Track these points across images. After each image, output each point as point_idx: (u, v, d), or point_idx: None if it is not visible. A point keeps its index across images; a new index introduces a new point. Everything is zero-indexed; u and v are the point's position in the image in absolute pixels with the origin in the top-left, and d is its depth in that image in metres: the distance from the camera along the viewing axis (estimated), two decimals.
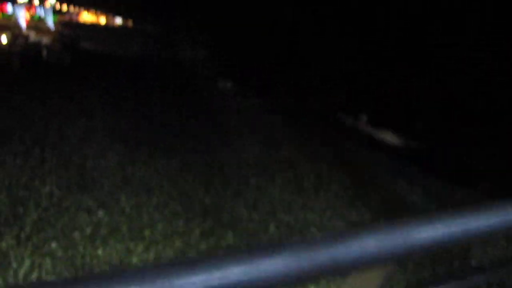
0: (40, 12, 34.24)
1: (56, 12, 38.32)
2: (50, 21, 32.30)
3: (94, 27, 44.24)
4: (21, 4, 30.88)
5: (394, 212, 6.47)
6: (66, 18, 43.69)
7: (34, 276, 3.57)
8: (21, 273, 3.58)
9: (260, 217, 5.49)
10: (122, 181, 5.59)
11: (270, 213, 5.66)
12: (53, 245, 4.01)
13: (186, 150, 7.39)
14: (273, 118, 11.19)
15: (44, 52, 19.54)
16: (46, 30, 28.67)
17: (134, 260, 4.02)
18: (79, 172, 5.64)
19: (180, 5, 29.73)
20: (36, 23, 29.94)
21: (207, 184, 6.16)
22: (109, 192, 5.24)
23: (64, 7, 48.04)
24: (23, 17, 28.55)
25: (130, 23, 57.10)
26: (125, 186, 5.48)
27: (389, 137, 10.07)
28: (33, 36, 24.72)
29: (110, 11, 55.86)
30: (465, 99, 11.05)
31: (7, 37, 22.54)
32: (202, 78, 16.62)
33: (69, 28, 32.64)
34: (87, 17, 54.14)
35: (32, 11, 32.97)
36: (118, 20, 59.19)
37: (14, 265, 3.66)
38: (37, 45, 21.35)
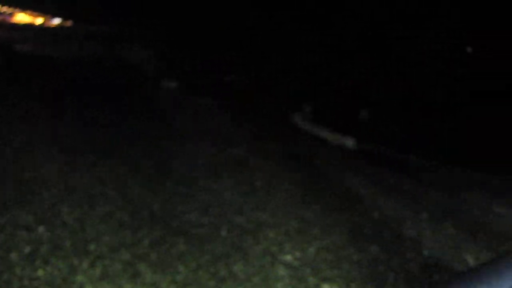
0: None
1: None
2: None
3: (31, 28, 42.27)
4: None
5: (343, 204, 6.51)
6: None
7: None
8: None
9: (211, 221, 5.36)
10: (63, 193, 5.30)
11: (221, 216, 5.53)
12: None
13: (131, 154, 7.13)
14: (220, 117, 11.07)
15: None
16: None
17: (79, 278, 3.80)
18: (16, 185, 5.29)
19: (122, 4, 28.92)
20: None
21: (155, 189, 5.96)
22: (50, 205, 4.95)
23: None
24: None
25: (69, 23, 55.03)
26: (67, 197, 5.19)
27: (330, 134, 10.12)
28: None
29: (47, 11, 53.64)
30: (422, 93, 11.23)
31: None
32: (147, 78, 16.21)
33: (2, 29, 30.98)
34: (22, 18, 51.70)
35: None
36: (57, 21, 56.90)
37: None
38: None
